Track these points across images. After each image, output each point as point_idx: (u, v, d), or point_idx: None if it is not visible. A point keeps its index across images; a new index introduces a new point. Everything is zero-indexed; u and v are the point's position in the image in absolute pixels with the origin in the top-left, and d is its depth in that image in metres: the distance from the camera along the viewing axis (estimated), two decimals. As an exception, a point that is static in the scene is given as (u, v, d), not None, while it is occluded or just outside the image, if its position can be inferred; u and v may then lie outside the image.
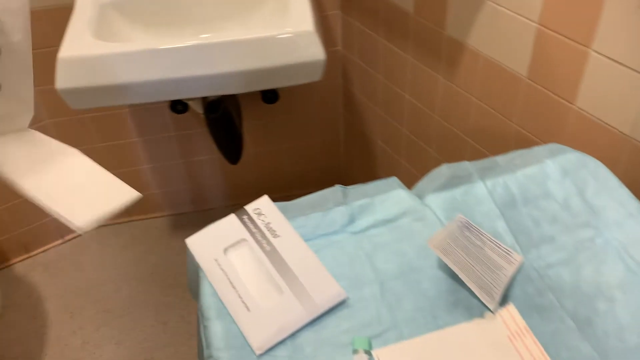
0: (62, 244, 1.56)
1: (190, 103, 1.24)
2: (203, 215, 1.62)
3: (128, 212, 1.59)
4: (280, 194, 1.62)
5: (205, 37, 1.06)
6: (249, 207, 0.66)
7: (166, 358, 1.29)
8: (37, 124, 1.34)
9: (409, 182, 1.27)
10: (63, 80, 0.86)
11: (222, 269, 0.60)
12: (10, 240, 1.47)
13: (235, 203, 1.63)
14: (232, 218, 0.65)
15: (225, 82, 0.90)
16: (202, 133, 1.44)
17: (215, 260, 0.61)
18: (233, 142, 1.28)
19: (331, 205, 0.66)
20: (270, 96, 1.33)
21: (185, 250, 1.61)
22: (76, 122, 1.36)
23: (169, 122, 1.40)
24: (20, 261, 1.52)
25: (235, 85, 0.91)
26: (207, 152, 1.48)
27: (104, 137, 1.40)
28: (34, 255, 1.53)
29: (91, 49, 0.87)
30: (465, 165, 0.73)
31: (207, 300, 0.58)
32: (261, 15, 1.07)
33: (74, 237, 1.57)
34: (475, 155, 1.02)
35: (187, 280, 0.69)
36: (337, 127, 1.51)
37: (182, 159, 1.49)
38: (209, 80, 0.89)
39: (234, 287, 0.58)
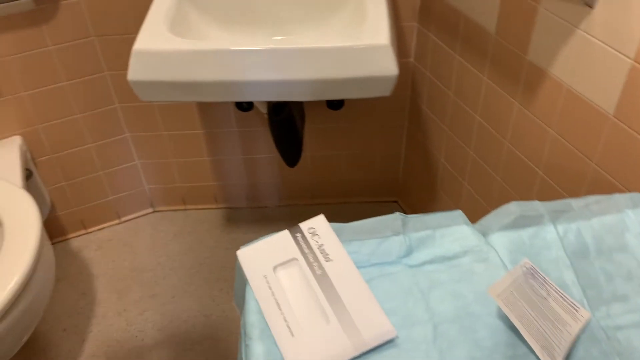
0: (117, 224, 1.60)
1: (255, 103, 1.23)
2: (255, 212, 1.62)
3: (184, 201, 1.61)
4: (334, 200, 1.61)
5: (278, 41, 1.06)
6: (304, 226, 0.64)
7: (205, 351, 1.30)
8: (106, 107, 1.37)
9: (470, 205, 1.23)
10: (135, 72, 0.87)
11: (270, 288, 0.59)
12: (70, 215, 1.52)
13: (287, 204, 1.62)
14: (285, 234, 0.64)
15: (294, 89, 0.89)
16: (264, 132, 1.43)
17: (264, 277, 0.60)
18: (293, 146, 1.27)
19: (389, 233, 0.63)
20: (335, 102, 1.31)
21: (234, 245, 1.62)
22: (144, 109, 1.39)
23: (233, 118, 1.41)
24: (77, 237, 1.57)
25: (303, 93, 0.90)
26: (267, 151, 1.48)
27: (170, 125, 1.43)
28: (90, 232, 1.58)
29: (165, 44, 0.88)
30: (536, 205, 0.68)
31: (251, 317, 0.57)
32: (337, 23, 1.05)
33: (130, 219, 1.61)
34: (544, 189, 0.96)
35: (234, 292, 0.68)
36: (399, 140, 1.47)
37: (242, 155, 1.49)
38: (278, 86, 0.88)
39: (280, 309, 0.57)
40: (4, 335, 0.98)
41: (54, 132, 1.35)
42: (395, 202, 1.61)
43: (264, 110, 1.22)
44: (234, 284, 1.41)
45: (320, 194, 1.60)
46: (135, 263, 1.50)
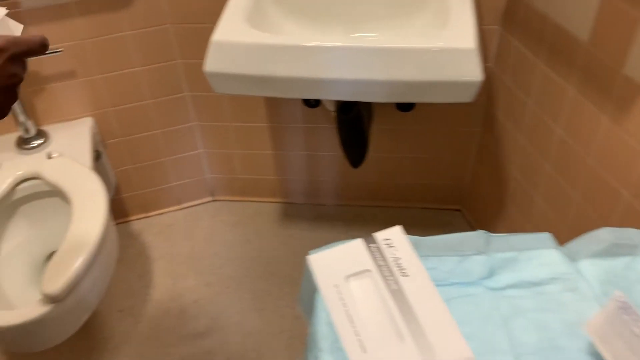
0: (178, 210, 1.62)
1: (323, 100, 1.21)
2: (313, 208, 1.61)
3: (244, 192, 1.61)
4: (394, 204, 1.57)
5: (357, 39, 1.03)
6: (379, 236, 0.61)
7: (256, 346, 1.29)
8: (176, 95, 1.38)
9: (542, 222, 1.17)
10: (212, 63, 0.86)
11: (341, 298, 0.56)
12: (133, 198, 1.55)
13: (346, 203, 1.60)
14: (359, 243, 0.61)
15: (370, 89, 0.86)
16: (329, 129, 1.41)
17: (336, 286, 0.57)
18: (359, 146, 1.24)
19: (470, 252, 0.59)
20: (405, 104, 1.27)
21: (290, 241, 1.60)
22: (212, 99, 1.39)
23: (299, 114, 1.39)
24: (138, 219, 1.59)
25: (380, 94, 0.87)
26: (330, 149, 1.46)
27: (236, 117, 1.43)
28: (151, 216, 1.60)
29: (244, 37, 0.87)
30: (630, 234, 0.63)
31: (322, 328, 0.55)
32: (418, 22, 1.01)
33: (190, 206, 1.63)
34: (629, 213, 0.90)
35: (299, 296, 0.66)
36: (469, 147, 1.41)
37: (305, 151, 1.48)
38: (354, 85, 0.85)
39: (351, 322, 0.54)
40: (68, 312, 1.00)
41: (124, 116, 1.38)
42: (459, 210, 1.56)
43: (331, 108, 1.19)
44: (288, 279, 1.41)
45: (380, 196, 1.56)
46: (192, 250, 1.51)
